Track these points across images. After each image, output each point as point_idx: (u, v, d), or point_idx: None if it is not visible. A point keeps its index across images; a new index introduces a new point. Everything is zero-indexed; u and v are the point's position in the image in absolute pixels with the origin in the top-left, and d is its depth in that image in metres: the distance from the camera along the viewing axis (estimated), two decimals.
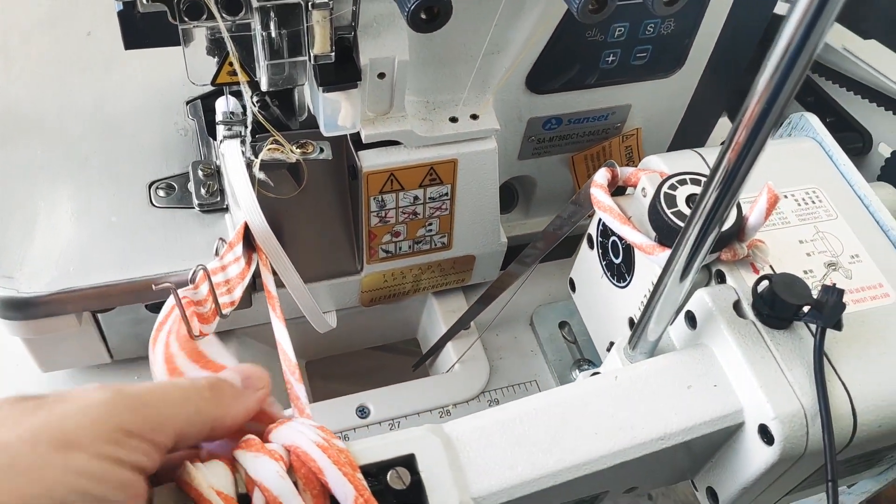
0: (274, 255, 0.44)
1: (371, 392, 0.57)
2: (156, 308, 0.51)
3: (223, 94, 0.53)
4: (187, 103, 0.53)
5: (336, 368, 0.67)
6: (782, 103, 0.30)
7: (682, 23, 0.54)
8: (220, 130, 0.50)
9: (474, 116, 0.53)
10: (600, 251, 0.48)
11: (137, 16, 0.43)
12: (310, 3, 0.43)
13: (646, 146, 0.62)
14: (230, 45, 0.42)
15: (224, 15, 0.41)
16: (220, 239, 0.43)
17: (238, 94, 0.53)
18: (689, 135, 0.64)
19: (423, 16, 0.40)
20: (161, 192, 0.48)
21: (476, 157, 0.53)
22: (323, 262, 0.56)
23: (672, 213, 0.39)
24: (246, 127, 0.50)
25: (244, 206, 0.43)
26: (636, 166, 0.63)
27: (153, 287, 0.39)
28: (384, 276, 0.58)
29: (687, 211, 0.39)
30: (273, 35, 0.42)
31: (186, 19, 0.41)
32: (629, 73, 0.56)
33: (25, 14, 0.56)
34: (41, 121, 0.51)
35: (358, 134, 0.51)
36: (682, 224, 0.39)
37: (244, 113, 0.51)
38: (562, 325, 0.62)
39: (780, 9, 0.59)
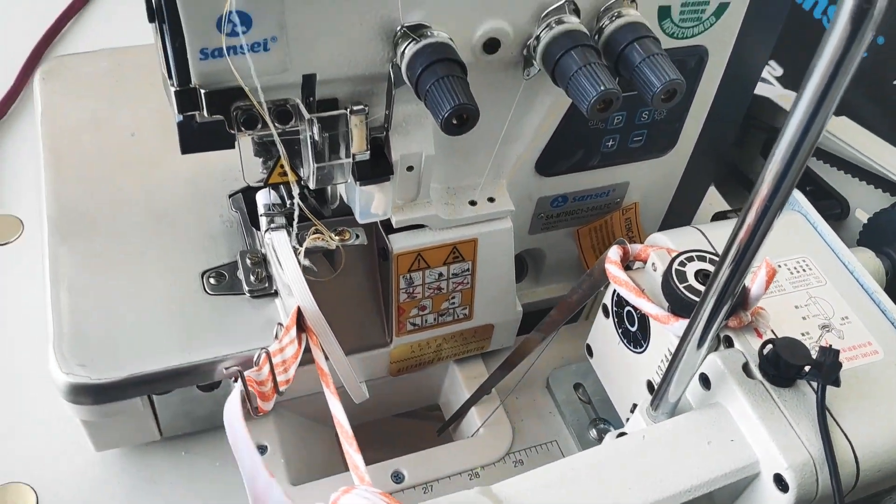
0: (323, 335, 0.49)
1: (403, 458, 0.61)
2: (208, 388, 0.55)
3: (261, 188, 0.58)
4: (229, 196, 0.58)
5: (365, 436, 0.70)
6: (787, 189, 0.35)
7: (673, 110, 0.60)
8: (264, 221, 0.55)
9: (491, 199, 0.58)
10: (615, 320, 0.53)
11: (195, 125, 0.48)
12: (349, 110, 0.49)
13: (643, 217, 0.68)
14: (281, 150, 0.47)
15: (276, 124, 0.46)
16: (279, 324, 0.47)
17: (275, 187, 0.58)
18: (682, 205, 0.70)
19: (455, 121, 0.45)
20: (213, 280, 0.53)
21: (494, 235, 0.58)
22: (355, 337, 0.60)
23: (684, 287, 0.44)
24: (292, 218, 0.55)
25: (297, 292, 0.48)
26: (636, 236, 0.70)
27: (224, 370, 0.43)
28: (411, 347, 0.62)
29: (697, 285, 0.44)
30: (317, 139, 0.47)
31: (243, 129, 0.46)
32: (627, 154, 0.62)
33: (73, 116, 0.61)
34: (96, 217, 0.55)
35: (387, 219, 0.56)
36: (693, 298, 0.45)
37: (283, 204, 0.56)
38: (576, 386, 0.66)
39: (758, 90, 0.66)
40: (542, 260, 0.69)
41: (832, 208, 0.65)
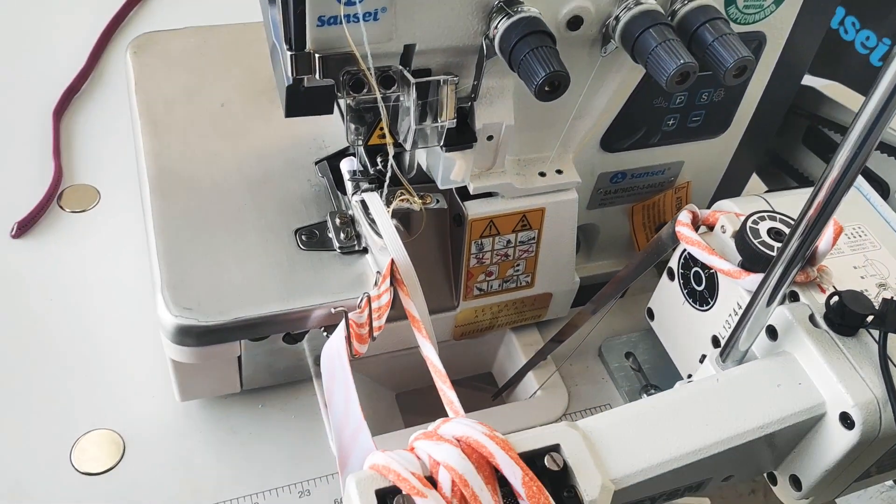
0: (413, 288, 0.52)
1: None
2: (292, 340, 0.58)
3: (344, 156, 0.62)
4: (315, 164, 0.62)
5: (422, 400, 0.74)
6: (858, 166, 0.39)
7: (731, 92, 0.64)
8: (350, 186, 0.59)
9: (559, 171, 0.62)
10: (682, 281, 0.57)
11: (302, 89, 0.52)
12: (441, 79, 0.53)
13: (692, 197, 0.72)
14: (383, 113, 0.51)
15: (380, 88, 0.50)
16: (378, 272, 0.51)
17: (354, 155, 0.62)
18: (728, 187, 0.74)
19: (547, 88, 0.49)
20: (304, 237, 0.56)
21: (560, 205, 0.62)
22: (426, 300, 0.64)
23: (758, 242, 0.48)
24: (379, 183, 0.58)
25: (391, 246, 0.51)
26: None
27: (332, 311, 0.47)
28: (475, 312, 0.66)
29: (770, 241, 0.48)
30: (416, 103, 0.51)
31: (351, 92, 0.50)
32: (685, 134, 0.66)
33: (167, 87, 0.65)
34: (193, 179, 0.59)
35: (463, 188, 0.60)
36: (768, 252, 0.48)
37: (366, 171, 0.59)
38: (627, 355, 0.70)
39: (805, 81, 0.70)
40: (595, 236, 0.73)
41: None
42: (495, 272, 0.64)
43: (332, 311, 0.47)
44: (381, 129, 0.53)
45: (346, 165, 0.60)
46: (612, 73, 0.58)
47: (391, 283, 0.52)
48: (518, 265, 0.64)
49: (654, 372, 0.68)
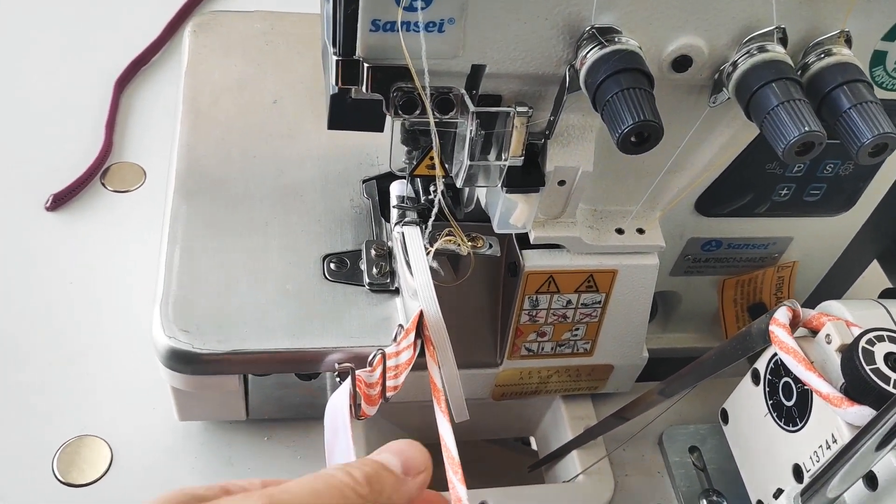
0: (442, 348, 0.45)
1: (493, 490, 0.56)
2: (306, 377, 0.52)
3: (396, 177, 0.55)
4: (363, 182, 0.54)
5: None
6: None
7: (863, 167, 0.53)
8: (395, 213, 0.51)
9: (640, 230, 0.53)
10: (767, 389, 0.47)
11: (348, 101, 0.45)
12: (511, 111, 0.45)
13: (797, 279, 0.61)
14: (435, 141, 0.43)
15: (436, 112, 0.43)
16: (399, 325, 0.43)
17: (411, 180, 0.55)
18: (840, 273, 0.63)
19: (633, 139, 0.40)
20: (333, 266, 0.50)
21: (637, 270, 0.53)
22: (464, 351, 0.55)
23: (871, 370, 0.38)
24: (424, 214, 0.51)
25: (423, 297, 0.44)
26: (784, 298, 0.63)
27: (336, 365, 0.39)
28: (520, 373, 0.58)
29: (886, 371, 0.38)
30: (475, 135, 0.43)
31: (400, 112, 0.43)
32: (799, 207, 0.55)
33: (219, 74, 0.59)
34: (224, 181, 0.53)
35: (524, 233, 0.51)
36: (881, 384, 0.38)
37: (416, 199, 0.52)
38: (692, 449, 0.60)
39: None
40: (675, 304, 0.63)
41: None
42: (549, 333, 0.55)
43: (337, 366, 0.40)
44: (432, 158, 0.45)
45: (396, 189, 0.53)
46: (720, 126, 0.49)
47: (417, 337, 0.45)
48: (577, 329, 0.56)
49: (720, 475, 0.58)
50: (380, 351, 0.41)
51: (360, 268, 0.50)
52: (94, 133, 0.73)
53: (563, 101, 0.45)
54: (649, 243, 0.53)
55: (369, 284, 0.49)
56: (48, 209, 0.67)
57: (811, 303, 0.64)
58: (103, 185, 0.70)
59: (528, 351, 0.56)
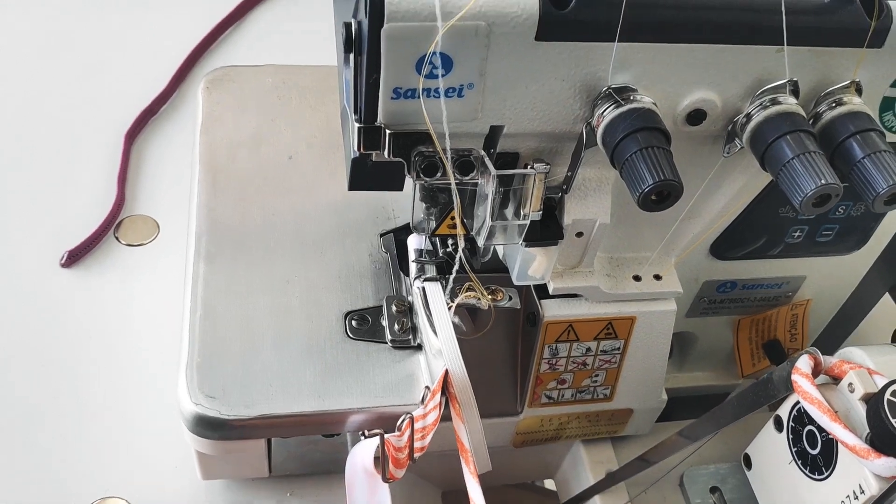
0: (467, 405, 0.45)
1: None
2: (330, 434, 0.52)
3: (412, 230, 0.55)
4: (381, 236, 0.55)
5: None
6: None
7: None
8: (413, 268, 0.52)
9: (657, 277, 0.53)
10: (791, 437, 0.47)
11: (369, 164, 0.45)
12: (531, 167, 0.45)
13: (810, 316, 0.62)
14: (456, 203, 0.44)
15: (456, 174, 0.43)
16: (427, 387, 0.44)
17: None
18: (852, 310, 0.63)
19: (654, 198, 0.41)
20: (354, 323, 0.50)
21: (655, 316, 0.54)
22: (484, 402, 0.56)
23: None
24: (443, 268, 0.51)
25: (448, 356, 0.44)
26: (798, 335, 0.63)
27: (364, 434, 0.40)
28: (541, 421, 0.58)
29: None
30: (495, 197, 0.43)
31: (422, 175, 0.43)
32: (811, 248, 0.56)
33: (235, 130, 0.60)
34: (244, 240, 0.53)
35: (542, 283, 0.52)
36: None
37: (434, 252, 0.52)
38: (713, 489, 0.60)
39: None
40: (691, 345, 0.64)
41: None
42: (569, 380, 0.56)
43: (367, 432, 0.40)
44: (452, 217, 0.45)
45: (414, 243, 0.53)
46: (734, 174, 0.49)
47: (442, 395, 0.45)
48: (597, 376, 0.56)
49: None
50: (408, 415, 0.41)
51: (381, 324, 0.50)
52: (106, 186, 0.74)
53: (580, 158, 0.45)
54: (667, 289, 0.53)
55: (391, 341, 0.49)
56: (63, 266, 0.67)
57: (826, 337, 0.65)
58: (117, 238, 0.71)
59: (548, 398, 0.56)
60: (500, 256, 0.53)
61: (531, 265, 0.50)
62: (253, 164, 0.58)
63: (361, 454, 0.43)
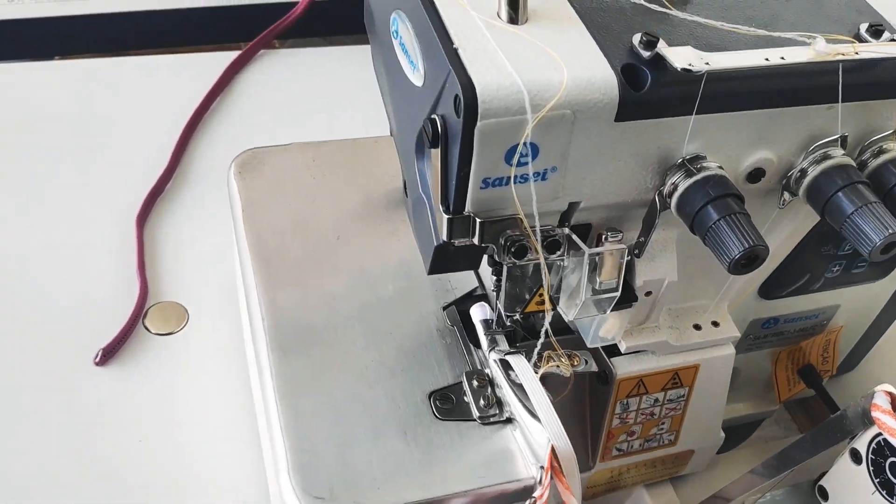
0: (572, 476, 0.46)
1: None
2: None
3: (472, 298, 0.56)
4: (444, 309, 0.55)
5: None
6: None
7: None
8: (484, 340, 0.53)
9: (715, 323, 0.56)
10: (872, 468, 0.49)
11: (451, 249, 0.46)
12: (605, 237, 0.47)
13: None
14: (546, 281, 0.45)
15: (545, 254, 0.44)
16: (542, 467, 0.44)
17: (483, 297, 0.56)
18: (877, 328, 0.67)
19: (743, 262, 0.43)
20: (439, 403, 0.50)
21: (716, 361, 0.56)
22: None
23: None
24: (514, 338, 0.52)
25: (551, 430, 0.45)
26: (830, 359, 0.67)
27: None
28: (611, 472, 0.59)
29: None
30: (588, 274, 0.45)
31: (513, 259, 0.44)
32: (847, 280, 0.59)
33: (276, 215, 0.59)
34: (312, 330, 0.53)
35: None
36: None
37: (500, 323, 0.53)
38: None
39: None
40: (734, 379, 0.66)
41: None
42: (637, 431, 0.57)
43: None
44: (541, 295, 0.46)
45: (478, 314, 0.54)
46: (785, 221, 0.52)
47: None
48: (663, 424, 0.58)
49: None
50: (533, 499, 0.42)
51: (465, 401, 0.50)
52: (125, 274, 0.72)
53: (654, 225, 0.47)
54: (726, 335, 0.55)
55: (479, 418, 0.50)
56: (98, 364, 0.66)
57: (851, 357, 0.69)
58: (147, 329, 0.69)
59: (618, 451, 0.58)
60: (567, 321, 0.55)
61: (603, 327, 0.51)
62: (303, 248, 0.57)
63: None
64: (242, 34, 0.98)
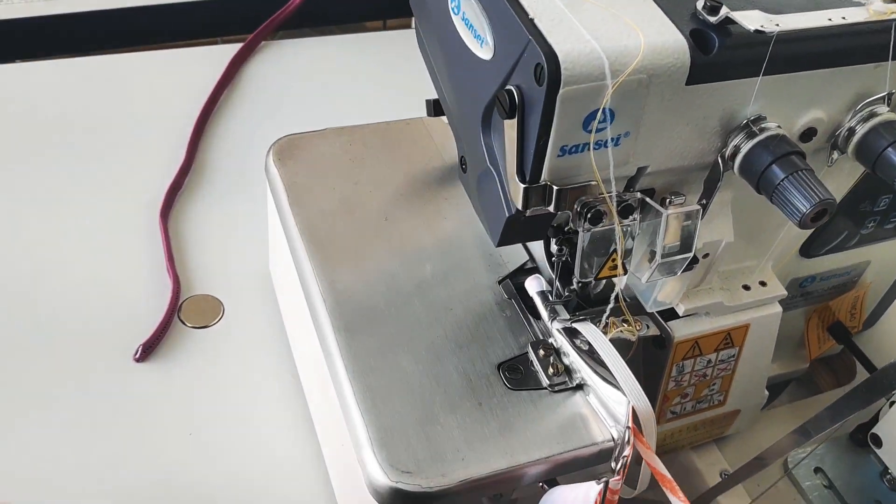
0: (651, 436, 0.47)
1: None
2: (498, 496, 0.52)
3: (523, 272, 0.57)
4: (499, 283, 0.56)
5: None
6: None
7: None
8: (544, 311, 0.53)
9: (763, 283, 0.57)
10: None
11: (521, 219, 0.47)
12: (669, 201, 0.48)
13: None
14: (620, 245, 0.46)
15: (620, 220, 0.45)
16: (627, 427, 0.45)
17: (535, 270, 0.57)
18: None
19: (812, 217, 0.44)
20: (508, 373, 0.51)
21: (765, 320, 0.57)
22: None
23: None
24: (572, 307, 0.53)
25: (631, 392, 0.46)
26: (857, 314, 0.69)
27: (596, 483, 0.41)
28: (664, 436, 0.60)
29: None
30: (664, 237, 0.46)
31: (590, 224, 0.45)
32: (880, 235, 0.61)
33: (322, 199, 0.59)
34: (375, 309, 0.53)
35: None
36: None
37: (557, 294, 0.54)
38: (816, 470, 0.65)
39: None
40: None
41: None
42: (690, 394, 0.59)
43: (597, 482, 0.42)
44: (614, 260, 0.47)
45: (533, 286, 0.54)
46: (829, 179, 0.53)
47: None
48: (714, 384, 0.59)
49: (848, 489, 0.63)
50: (625, 458, 0.43)
51: (532, 370, 0.51)
52: (153, 271, 0.71)
53: (717, 187, 0.48)
54: (773, 294, 0.57)
55: (550, 386, 0.50)
56: (138, 360, 0.65)
57: (877, 311, 0.71)
58: (182, 322, 0.68)
59: (672, 413, 0.59)
60: (619, 290, 0.56)
61: (663, 291, 0.52)
62: (353, 230, 0.57)
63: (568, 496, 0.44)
64: (241, 27, 0.97)
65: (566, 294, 0.54)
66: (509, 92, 0.43)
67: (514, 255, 0.58)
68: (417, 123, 0.67)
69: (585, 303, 0.54)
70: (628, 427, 0.45)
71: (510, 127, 0.44)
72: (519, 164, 0.44)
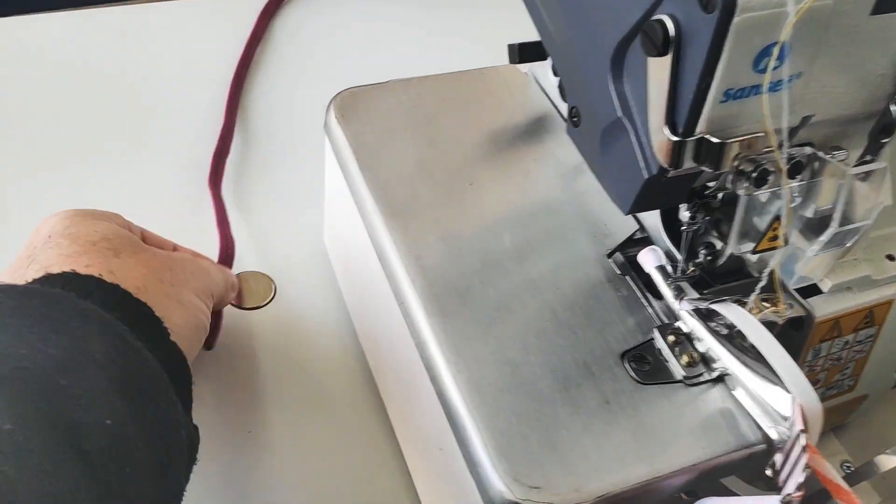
0: (815, 437, 0.40)
1: None
2: None
3: (633, 242, 0.49)
4: (608, 256, 0.48)
5: None
6: None
7: None
8: (667, 291, 0.45)
9: None
10: None
11: (662, 181, 0.39)
12: (829, 156, 0.40)
13: None
14: (785, 213, 0.38)
15: (788, 179, 0.37)
16: (801, 431, 0.38)
17: (647, 241, 0.49)
18: None
19: None
20: (635, 365, 0.43)
21: None
22: None
23: None
24: (705, 289, 0.45)
25: (798, 388, 0.39)
26: None
27: (778, 498, 0.34)
28: None
29: None
30: (847, 201, 0.38)
31: (754, 186, 0.37)
32: None
33: (394, 160, 0.51)
34: (469, 287, 0.45)
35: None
36: None
37: (682, 269, 0.46)
38: None
39: None
40: None
41: None
42: (822, 380, 0.51)
43: (780, 499, 0.35)
44: (775, 229, 0.40)
45: (650, 260, 0.46)
46: None
47: None
48: (847, 368, 0.52)
49: None
50: (805, 468, 0.36)
51: (662, 360, 0.44)
52: (201, 243, 0.63)
53: (888, 141, 0.40)
54: None
55: (685, 378, 0.43)
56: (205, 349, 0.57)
57: None
58: (235, 305, 0.60)
59: None
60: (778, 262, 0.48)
61: (810, 265, 0.45)
62: (436, 198, 0.49)
63: None
64: None
65: (691, 270, 0.46)
66: (661, 22, 0.35)
67: (620, 222, 0.50)
68: (492, 73, 0.59)
69: (713, 280, 0.47)
70: (802, 431, 0.37)
71: (659, 67, 0.36)
72: (669, 113, 0.36)
